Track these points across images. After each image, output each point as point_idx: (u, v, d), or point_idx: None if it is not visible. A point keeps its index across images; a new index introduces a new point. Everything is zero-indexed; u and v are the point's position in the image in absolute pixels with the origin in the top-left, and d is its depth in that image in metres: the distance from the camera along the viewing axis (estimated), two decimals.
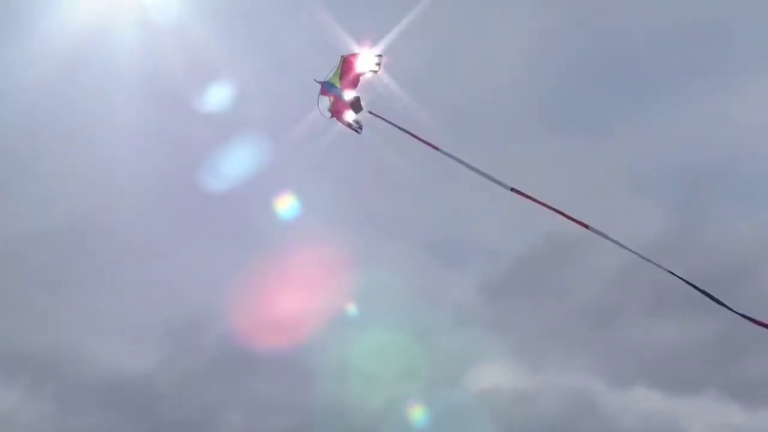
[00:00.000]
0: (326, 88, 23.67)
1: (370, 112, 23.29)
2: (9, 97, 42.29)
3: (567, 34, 45.72)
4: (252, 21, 41.57)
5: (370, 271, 42.58)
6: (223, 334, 44.23)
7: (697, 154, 45.87)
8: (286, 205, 39.72)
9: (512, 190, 19.19)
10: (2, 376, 42.54)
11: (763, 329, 15.48)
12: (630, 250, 16.88)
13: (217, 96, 35.65)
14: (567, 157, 45.39)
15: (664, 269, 16.02)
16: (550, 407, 42.20)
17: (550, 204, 18.41)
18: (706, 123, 45.85)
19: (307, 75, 23.86)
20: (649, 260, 16.53)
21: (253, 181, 40.90)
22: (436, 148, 20.85)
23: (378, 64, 23.27)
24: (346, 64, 23.23)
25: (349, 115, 23.73)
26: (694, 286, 15.64)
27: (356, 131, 23.58)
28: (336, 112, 23.84)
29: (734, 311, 15.07)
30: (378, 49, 23.10)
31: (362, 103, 23.50)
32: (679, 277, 15.88)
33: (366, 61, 23.34)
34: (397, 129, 21.74)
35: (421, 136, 21.22)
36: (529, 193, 18.85)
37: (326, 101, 23.91)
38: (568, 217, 18.24)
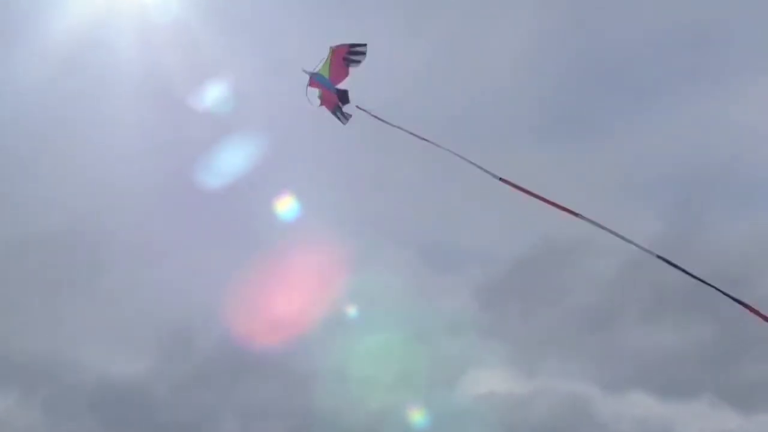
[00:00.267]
0: (315, 79, 23.75)
1: (357, 107, 23.30)
2: (5, 97, 42.22)
3: (564, 36, 45.90)
4: (252, 21, 41.53)
5: (365, 275, 42.58)
6: (218, 338, 44.23)
7: (695, 156, 46.10)
8: (283, 207, 39.63)
9: (501, 180, 19.12)
10: None
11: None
12: (624, 239, 16.66)
13: (215, 96, 35.44)
14: (564, 159, 45.37)
15: (663, 259, 15.77)
16: (546, 412, 42.14)
17: (539, 194, 18.27)
18: (704, 125, 46.05)
19: (307, 75, 23.91)
20: (644, 249, 16.30)
21: (250, 182, 40.97)
22: (425, 140, 20.89)
23: (364, 53, 23.42)
24: (335, 55, 23.42)
25: (337, 107, 23.81)
26: (698, 278, 15.40)
27: (342, 121, 23.74)
28: (324, 102, 23.90)
29: (741, 302, 14.81)
30: (365, 40, 23.37)
31: (350, 95, 23.57)
32: (673, 264, 15.64)
33: (354, 51, 23.48)
34: (385, 124, 21.80)
35: (409, 130, 21.27)
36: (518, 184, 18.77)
37: (315, 92, 23.99)
38: (558, 206, 18.06)
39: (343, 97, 23.61)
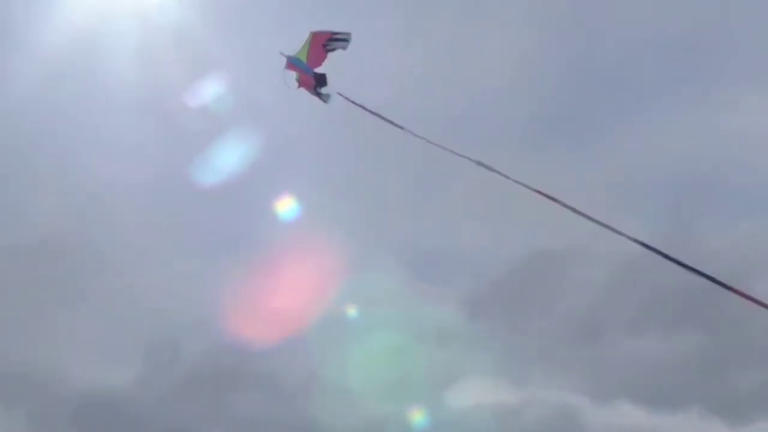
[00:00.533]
0: (292, 62, 23.93)
1: (338, 94, 23.39)
2: None
3: (557, 42, 45.89)
4: (252, 20, 41.37)
5: (355, 283, 42.40)
6: (207, 345, 44.01)
7: (686, 162, 46.08)
8: (278, 210, 39.57)
9: (479, 163, 19.00)
10: None
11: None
12: (627, 237, 16.30)
13: (214, 96, 35.26)
14: (554, 168, 45.19)
15: (668, 257, 15.41)
16: (534, 423, 42.02)
17: (516, 179, 18.09)
18: (694, 134, 46.12)
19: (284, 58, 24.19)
20: (649, 247, 15.96)
21: (245, 183, 40.86)
22: (401, 128, 20.95)
23: (347, 41, 23.51)
24: (314, 40, 23.55)
25: (315, 90, 23.93)
26: (696, 271, 15.06)
27: (324, 101, 23.82)
28: (302, 84, 24.06)
29: (742, 293, 14.45)
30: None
31: (326, 78, 23.71)
32: (678, 261, 15.32)
33: (336, 39, 23.60)
34: (365, 111, 21.87)
35: (386, 118, 21.34)
36: (496, 168, 18.61)
37: (292, 75, 24.17)
38: (535, 191, 17.85)
39: (321, 80, 23.69)
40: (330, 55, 23.61)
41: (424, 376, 41.92)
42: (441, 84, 43.90)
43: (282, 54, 24.04)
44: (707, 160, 46.05)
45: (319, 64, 23.66)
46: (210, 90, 34.50)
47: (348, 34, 23.59)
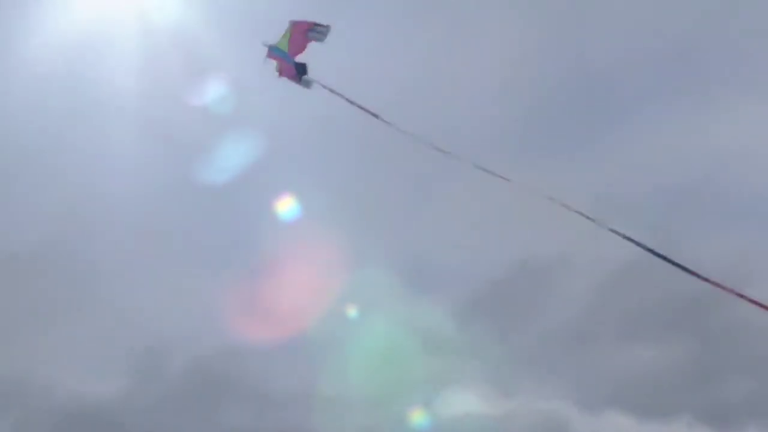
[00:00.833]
0: (272, 51, 24.33)
1: (319, 83, 23.79)
2: None
3: (538, 56, 45.84)
4: (252, 20, 41.28)
5: (339, 293, 42.33)
6: (196, 354, 43.85)
7: (672, 176, 46.11)
8: (276, 212, 39.54)
9: (477, 167, 19.07)
10: None
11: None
12: (616, 232, 16.25)
13: (214, 96, 35.20)
14: (539, 181, 45.18)
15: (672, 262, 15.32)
16: None
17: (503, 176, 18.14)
18: (680, 145, 46.16)
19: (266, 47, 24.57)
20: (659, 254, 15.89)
21: (233, 195, 40.77)
22: (376, 116, 21.14)
23: (325, 33, 23.80)
24: (294, 29, 23.80)
25: (295, 78, 24.28)
26: (700, 276, 15.03)
27: (305, 87, 24.04)
28: (283, 73, 24.48)
29: (748, 299, 14.42)
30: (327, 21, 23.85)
31: (308, 68, 24.09)
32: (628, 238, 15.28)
33: (316, 30, 23.94)
34: (341, 99, 22.09)
35: (366, 108, 21.55)
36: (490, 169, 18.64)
37: (273, 64, 24.60)
38: (546, 197, 17.87)
39: (301, 69, 23.93)
40: (311, 45, 23.83)
41: (410, 386, 41.84)
42: (419, 100, 43.87)
43: (263, 44, 24.25)
44: (698, 170, 46.22)
45: (301, 52, 23.93)
46: (210, 91, 34.49)
47: (327, 26, 23.84)
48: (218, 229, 45.31)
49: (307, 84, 23.65)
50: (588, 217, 17.07)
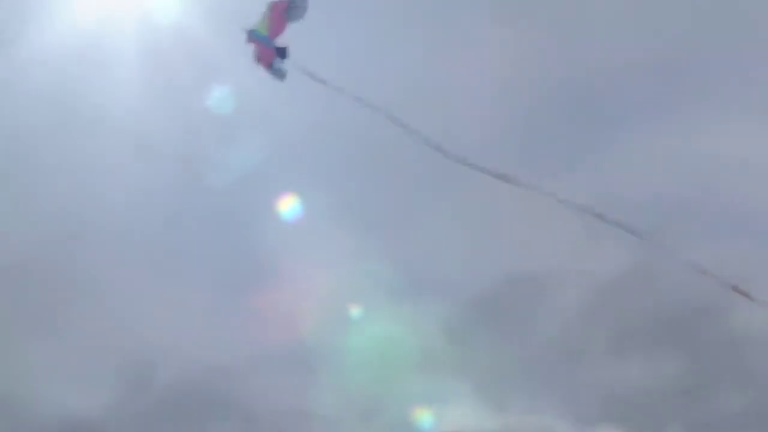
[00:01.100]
0: (252, 36, 23.91)
1: (300, 68, 23.47)
2: None
3: (524, 69, 45.74)
4: (252, 20, 41.15)
5: (326, 307, 42.14)
6: (186, 367, 43.15)
7: (663, 189, 45.95)
8: (276, 214, 39.43)
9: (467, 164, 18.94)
10: None
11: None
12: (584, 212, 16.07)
13: (217, 99, 35.08)
14: (528, 194, 45.16)
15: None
16: None
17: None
18: (671, 158, 46.04)
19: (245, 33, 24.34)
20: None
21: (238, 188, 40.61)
22: (359, 100, 21.03)
23: (304, 8, 23.45)
24: (273, 11, 23.64)
25: (274, 63, 23.83)
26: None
27: (279, 78, 23.83)
28: (260, 58, 24.00)
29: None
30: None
31: (288, 51, 23.73)
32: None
33: (293, 6, 23.57)
34: (322, 85, 21.98)
35: (350, 94, 21.45)
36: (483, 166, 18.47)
37: (251, 49, 24.15)
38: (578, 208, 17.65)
39: (282, 53, 23.55)
40: (290, 25, 23.61)
41: (399, 402, 41.70)
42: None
43: (243, 30, 24.14)
44: (685, 185, 46.18)
45: (281, 32, 23.54)
46: (211, 93, 34.35)
47: (305, 2, 23.59)
48: (214, 238, 45.06)
49: (280, 74, 23.27)
50: (595, 215, 16.87)
